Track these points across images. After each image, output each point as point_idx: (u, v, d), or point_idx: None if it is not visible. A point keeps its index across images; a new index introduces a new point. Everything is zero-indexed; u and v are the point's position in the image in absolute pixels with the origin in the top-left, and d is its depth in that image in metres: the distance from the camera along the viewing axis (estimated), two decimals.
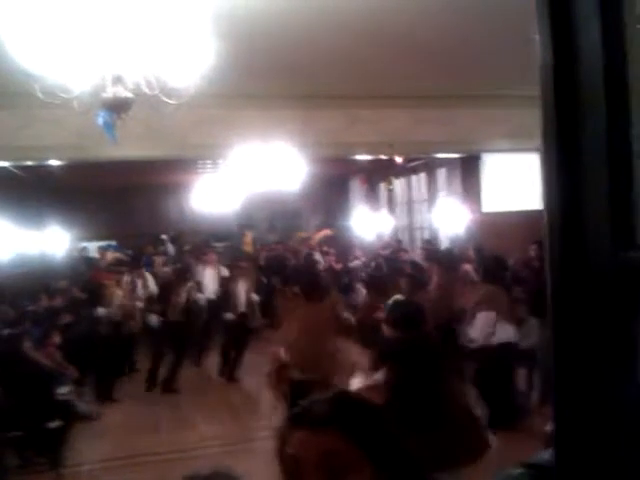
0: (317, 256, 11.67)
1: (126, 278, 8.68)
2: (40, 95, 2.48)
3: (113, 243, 14.79)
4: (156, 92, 2.66)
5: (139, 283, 8.79)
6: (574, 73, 0.96)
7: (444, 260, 7.64)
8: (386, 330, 2.63)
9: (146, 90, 2.66)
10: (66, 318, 8.36)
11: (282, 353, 5.09)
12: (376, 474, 1.13)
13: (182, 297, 7.95)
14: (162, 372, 7.92)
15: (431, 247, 10.16)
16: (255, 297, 8.50)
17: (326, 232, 14.70)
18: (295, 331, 5.30)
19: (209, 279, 9.26)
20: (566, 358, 0.84)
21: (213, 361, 8.70)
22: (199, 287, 8.74)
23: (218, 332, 8.82)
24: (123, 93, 2.54)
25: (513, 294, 7.70)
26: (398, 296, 2.78)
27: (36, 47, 2.30)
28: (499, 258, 8.17)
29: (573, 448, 0.81)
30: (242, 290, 8.28)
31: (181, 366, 7.94)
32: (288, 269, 10.79)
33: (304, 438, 1.13)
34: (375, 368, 2.45)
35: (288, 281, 7.75)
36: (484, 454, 2.37)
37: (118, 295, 8.00)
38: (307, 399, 1.22)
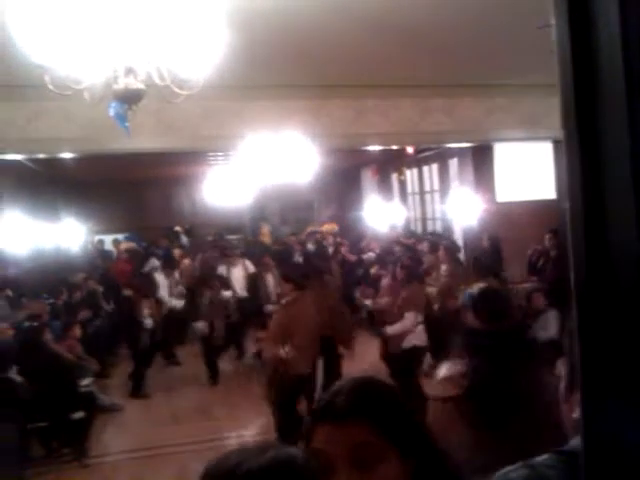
0: (329, 248, 11.68)
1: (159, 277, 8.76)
2: (51, 87, 2.48)
3: (128, 235, 14.90)
4: (167, 83, 2.65)
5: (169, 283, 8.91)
6: (593, 61, 0.93)
7: (450, 249, 7.67)
8: (471, 321, 2.55)
9: (157, 81, 2.65)
10: (85, 312, 8.46)
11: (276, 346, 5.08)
12: (403, 462, 1.12)
13: (206, 298, 8.00)
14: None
15: (434, 238, 10.16)
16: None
17: (332, 226, 14.68)
18: (282, 322, 5.24)
19: (236, 278, 9.31)
20: (591, 348, 0.82)
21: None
22: (226, 285, 8.74)
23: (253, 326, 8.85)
24: (134, 84, 2.53)
25: (530, 284, 7.68)
26: (481, 284, 2.68)
27: (47, 38, 2.30)
28: (496, 250, 8.18)
29: (601, 435, 0.80)
30: (271, 284, 8.34)
31: (214, 360, 7.98)
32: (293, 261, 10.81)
33: (330, 433, 1.11)
34: (460, 357, 2.42)
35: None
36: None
37: (146, 306, 7.91)
38: (328, 391, 1.20)
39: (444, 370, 2.47)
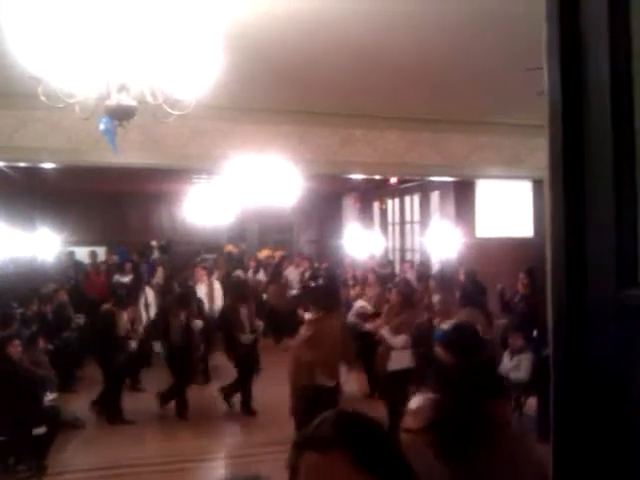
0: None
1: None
2: (44, 99, 2.47)
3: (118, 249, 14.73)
4: (160, 102, 2.66)
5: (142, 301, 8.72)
6: (582, 108, 0.96)
7: (441, 280, 7.72)
8: (442, 355, 2.59)
9: (150, 99, 2.66)
10: (55, 323, 8.29)
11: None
12: None
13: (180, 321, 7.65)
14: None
15: (424, 268, 10.23)
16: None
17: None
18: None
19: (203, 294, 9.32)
20: (566, 396, 0.83)
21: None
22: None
23: None
24: (127, 101, 2.54)
25: (503, 321, 7.74)
26: (454, 320, 2.75)
27: (43, 51, 2.30)
28: (479, 283, 8.30)
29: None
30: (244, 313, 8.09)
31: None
32: None
33: (313, 462, 1.13)
34: (433, 391, 2.44)
35: None
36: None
37: (124, 321, 7.53)
38: (314, 421, 1.22)
39: (414, 402, 2.51)
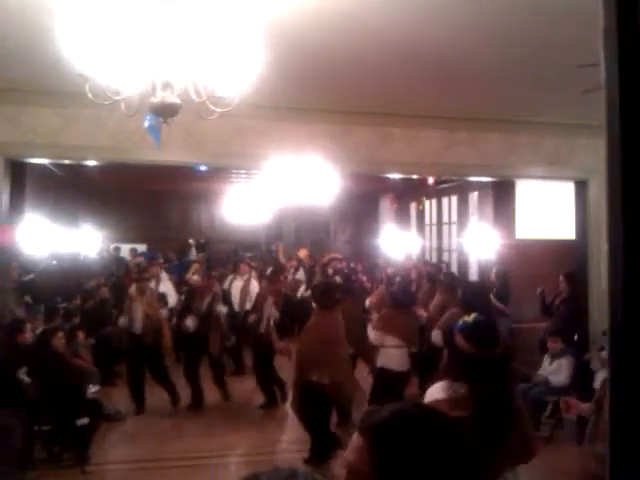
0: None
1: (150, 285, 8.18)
2: (90, 96, 2.53)
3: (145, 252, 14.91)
4: (203, 99, 2.70)
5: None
6: None
7: (445, 281, 7.72)
8: (464, 345, 2.71)
9: (194, 97, 2.70)
10: (97, 318, 8.48)
11: None
12: None
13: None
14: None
15: (433, 269, 10.22)
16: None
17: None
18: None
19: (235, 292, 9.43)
20: (625, 413, 0.81)
21: None
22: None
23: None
24: (171, 98, 2.58)
25: (543, 324, 7.62)
26: (474, 315, 2.88)
27: (90, 48, 2.36)
28: (479, 287, 8.26)
29: None
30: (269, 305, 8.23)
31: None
32: None
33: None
34: (454, 380, 2.52)
35: None
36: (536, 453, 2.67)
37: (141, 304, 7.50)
38: None
39: (436, 392, 2.53)
